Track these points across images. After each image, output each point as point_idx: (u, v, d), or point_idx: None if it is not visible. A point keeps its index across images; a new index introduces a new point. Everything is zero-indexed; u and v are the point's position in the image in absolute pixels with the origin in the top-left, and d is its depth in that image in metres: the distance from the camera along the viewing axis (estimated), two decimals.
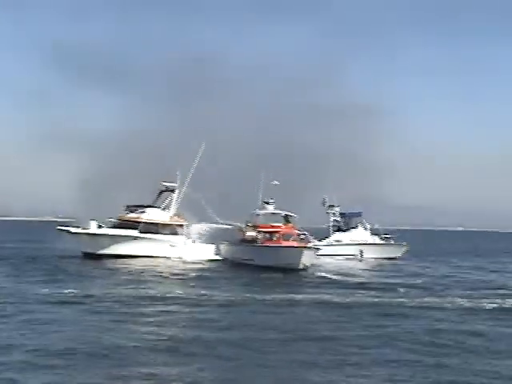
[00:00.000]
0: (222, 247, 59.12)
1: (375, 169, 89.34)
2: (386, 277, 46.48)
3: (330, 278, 43.60)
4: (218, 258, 58.27)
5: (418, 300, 31.93)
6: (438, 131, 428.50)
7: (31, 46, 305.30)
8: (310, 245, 52.95)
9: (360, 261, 63.47)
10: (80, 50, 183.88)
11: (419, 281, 42.95)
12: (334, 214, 69.37)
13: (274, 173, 62.20)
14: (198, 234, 59.44)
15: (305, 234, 54.48)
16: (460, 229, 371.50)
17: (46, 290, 32.23)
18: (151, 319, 25.48)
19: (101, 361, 18.23)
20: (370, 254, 66.11)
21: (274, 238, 53.72)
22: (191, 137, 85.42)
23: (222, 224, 59.82)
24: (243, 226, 57.90)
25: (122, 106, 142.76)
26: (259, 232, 55.23)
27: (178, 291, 33.91)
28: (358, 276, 46.48)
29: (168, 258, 56.13)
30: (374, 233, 69.28)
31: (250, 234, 56.02)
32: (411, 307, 29.73)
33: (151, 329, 23.29)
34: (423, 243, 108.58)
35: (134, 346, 20.02)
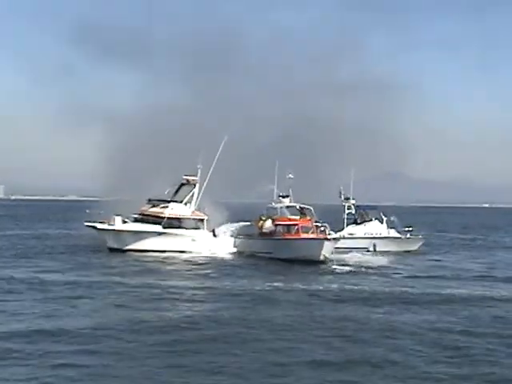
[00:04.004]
0: (239, 241, 60.76)
1: (398, 145, 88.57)
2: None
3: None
4: (235, 250, 60.17)
5: None
6: (460, 106, 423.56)
7: (55, 21, 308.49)
8: (329, 236, 54.36)
9: (372, 254, 63.14)
10: (104, 25, 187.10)
11: None
12: (349, 206, 68.03)
13: (292, 156, 61.86)
14: (224, 232, 61.71)
15: (325, 226, 55.82)
16: (486, 205, 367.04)
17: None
18: None
19: None
20: (383, 247, 65.55)
21: (293, 231, 55.40)
22: (213, 114, 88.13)
23: (242, 221, 62.03)
24: (258, 219, 59.64)
25: (145, 81, 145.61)
26: (277, 225, 56.81)
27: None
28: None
29: (190, 252, 58.37)
30: (392, 226, 67.92)
31: (268, 227, 57.57)
32: None
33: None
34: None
35: None
